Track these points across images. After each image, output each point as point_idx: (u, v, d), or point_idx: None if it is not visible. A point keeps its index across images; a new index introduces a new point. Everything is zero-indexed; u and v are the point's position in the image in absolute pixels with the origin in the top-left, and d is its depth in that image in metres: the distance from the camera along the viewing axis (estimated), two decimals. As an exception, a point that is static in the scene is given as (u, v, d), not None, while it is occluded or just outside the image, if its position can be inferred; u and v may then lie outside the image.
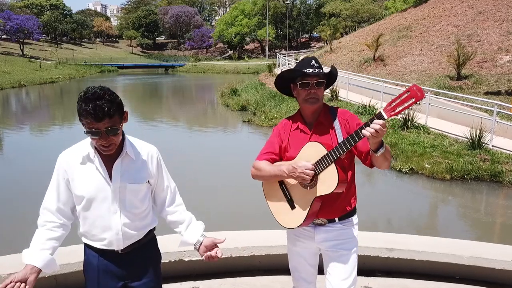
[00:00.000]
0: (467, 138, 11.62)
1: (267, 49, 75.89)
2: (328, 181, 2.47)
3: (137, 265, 2.44)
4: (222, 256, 2.53)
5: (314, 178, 2.51)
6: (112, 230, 2.33)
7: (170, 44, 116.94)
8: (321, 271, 2.84)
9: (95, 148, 2.29)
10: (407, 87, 2.24)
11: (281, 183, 2.69)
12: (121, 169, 2.32)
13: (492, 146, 11.42)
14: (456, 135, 12.53)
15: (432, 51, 22.45)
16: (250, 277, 4.01)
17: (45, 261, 2.23)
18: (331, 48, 34.36)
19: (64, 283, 3.62)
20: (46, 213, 2.36)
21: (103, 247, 2.36)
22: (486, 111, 13.84)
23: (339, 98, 19.24)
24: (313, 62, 2.60)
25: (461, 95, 15.46)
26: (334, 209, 2.64)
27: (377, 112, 2.29)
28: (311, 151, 2.53)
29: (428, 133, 13.15)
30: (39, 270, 2.20)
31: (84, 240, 2.42)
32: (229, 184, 10.43)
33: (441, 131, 13.22)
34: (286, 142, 2.72)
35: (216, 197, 9.27)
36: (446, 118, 14.61)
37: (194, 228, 2.56)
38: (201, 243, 2.50)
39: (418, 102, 2.19)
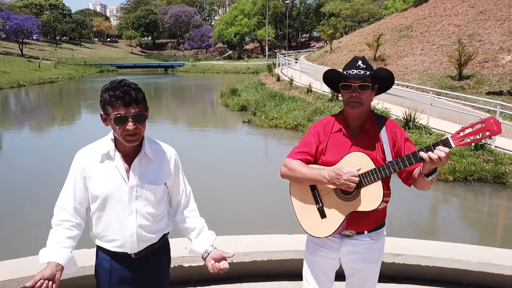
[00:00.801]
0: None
1: (266, 49, 75.88)
2: (371, 198, 2.33)
3: (149, 270, 2.39)
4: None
5: (355, 191, 2.36)
6: (127, 232, 2.28)
7: (169, 44, 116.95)
8: (337, 277, 2.74)
9: (115, 146, 2.27)
10: (482, 118, 2.12)
11: (313, 188, 2.50)
12: (139, 169, 2.28)
13: (495, 147, 11.30)
14: (458, 136, 12.39)
15: (433, 50, 22.38)
16: (252, 283, 3.90)
17: (68, 259, 2.17)
18: (331, 48, 34.31)
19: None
20: (61, 213, 2.28)
21: (116, 249, 2.30)
22: (488, 111, 13.73)
23: (339, 98, 19.13)
24: (360, 62, 2.42)
25: (463, 95, 15.37)
26: (366, 222, 2.49)
27: (443, 138, 2.17)
28: (355, 163, 2.34)
29: (430, 134, 13.04)
30: (63, 268, 2.13)
31: (97, 242, 2.37)
32: (229, 184, 10.39)
33: (443, 131, 13.10)
34: (325, 144, 2.52)
35: (216, 196, 9.17)
36: (448, 119, 14.51)
37: (204, 237, 2.49)
38: (208, 254, 2.43)
39: (492, 137, 2.07)
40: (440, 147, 2.14)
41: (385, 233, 2.62)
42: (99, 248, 2.38)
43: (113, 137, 2.27)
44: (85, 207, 2.31)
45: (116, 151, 2.27)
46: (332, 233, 2.43)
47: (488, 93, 16.21)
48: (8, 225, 7.98)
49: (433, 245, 4.20)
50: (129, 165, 2.27)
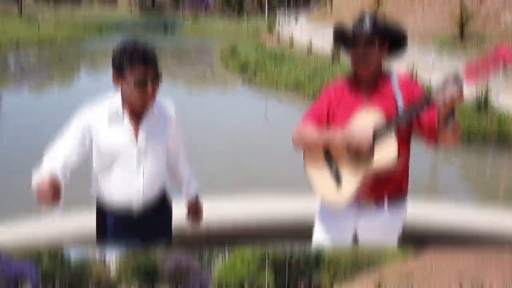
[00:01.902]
0: (474, 97, 11.24)
1: (266, 7, 74.50)
2: (386, 154, 2.19)
3: (154, 221, 2.43)
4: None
5: (369, 151, 2.22)
6: (133, 189, 2.30)
7: (168, 3, 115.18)
8: None
9: (123, 105, 2.25)
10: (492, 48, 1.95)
11: (327, 154, 2.38)
12: (147, 127, 2.29)
13: (499, 104, 11.11)
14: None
15: (435, 11, 22.00)
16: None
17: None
18: (331, 7, 33.74)
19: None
20: (50, 159, 2.16)
21: (121, 205, 2.32)
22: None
23: (341, 58, 18.87)
24: (367, 19, 2.26)
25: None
26: (384, 191, 2.37)
27: (453, 74, 1.97)
28: (367, 120, 2.22)
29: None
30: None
31: (99, 199, 2.38)
32: (228, 146, 10.31)
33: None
34: (336, 106, 2.40)
35: (216, 160, 9.10)
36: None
37: (192, 185, 2.64)
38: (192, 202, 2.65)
39: (507, 66, 1.87)
40: (451, 84, 1.96)
41: (406, 206, 2.49)
42: (100, 205, 2.39)
43: (120, 96, 2.24)
44: (72, 166, 2.20)
45: (125, 110, 2.26)
46: (349, 198, 2.32)
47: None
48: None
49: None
50: (137, 124, 2.28)
